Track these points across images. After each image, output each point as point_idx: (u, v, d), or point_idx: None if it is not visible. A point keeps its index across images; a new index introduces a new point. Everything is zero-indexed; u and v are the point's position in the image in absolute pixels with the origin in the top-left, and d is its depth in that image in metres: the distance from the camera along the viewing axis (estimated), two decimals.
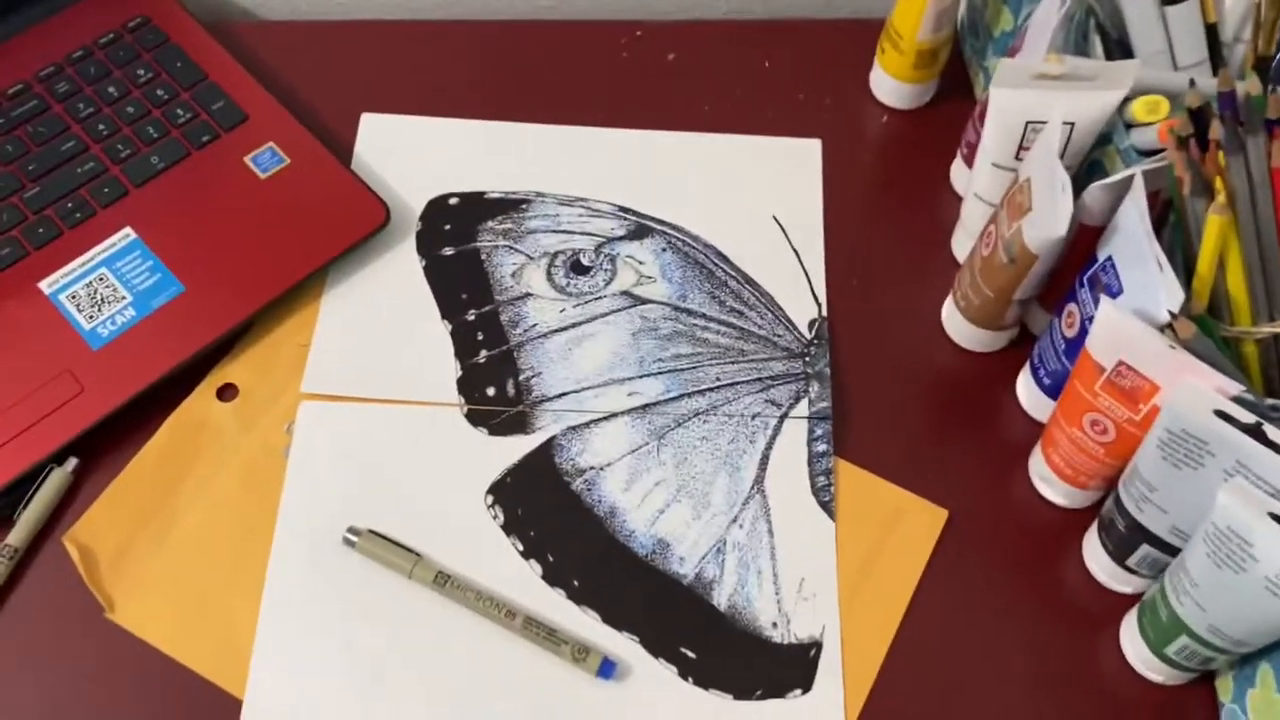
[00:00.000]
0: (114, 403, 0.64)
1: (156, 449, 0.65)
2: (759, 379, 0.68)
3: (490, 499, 0.64)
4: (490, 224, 0.73)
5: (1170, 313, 0.52)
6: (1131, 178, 0.56)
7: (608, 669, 0.58)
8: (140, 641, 0.60)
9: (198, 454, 0.65)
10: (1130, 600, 0.61)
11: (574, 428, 0.66)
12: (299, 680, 0.59)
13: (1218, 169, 0.53)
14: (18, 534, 0.61)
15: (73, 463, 0.63)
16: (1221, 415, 0.51)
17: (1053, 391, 0.64)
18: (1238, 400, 0.51)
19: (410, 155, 0.75)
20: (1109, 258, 0.57)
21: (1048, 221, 0.57)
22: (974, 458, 0.66)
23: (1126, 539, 0.58)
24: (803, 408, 0.67)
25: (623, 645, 0.60)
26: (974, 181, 0.67)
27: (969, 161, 0.71)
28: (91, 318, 0.66)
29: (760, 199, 0.74)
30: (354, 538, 0.62)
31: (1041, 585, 0.62)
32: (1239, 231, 0.53)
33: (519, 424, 0.66)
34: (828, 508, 0.64)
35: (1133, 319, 0.53)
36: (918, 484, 0.65)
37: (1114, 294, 0.56)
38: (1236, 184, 0.53)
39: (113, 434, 0.65)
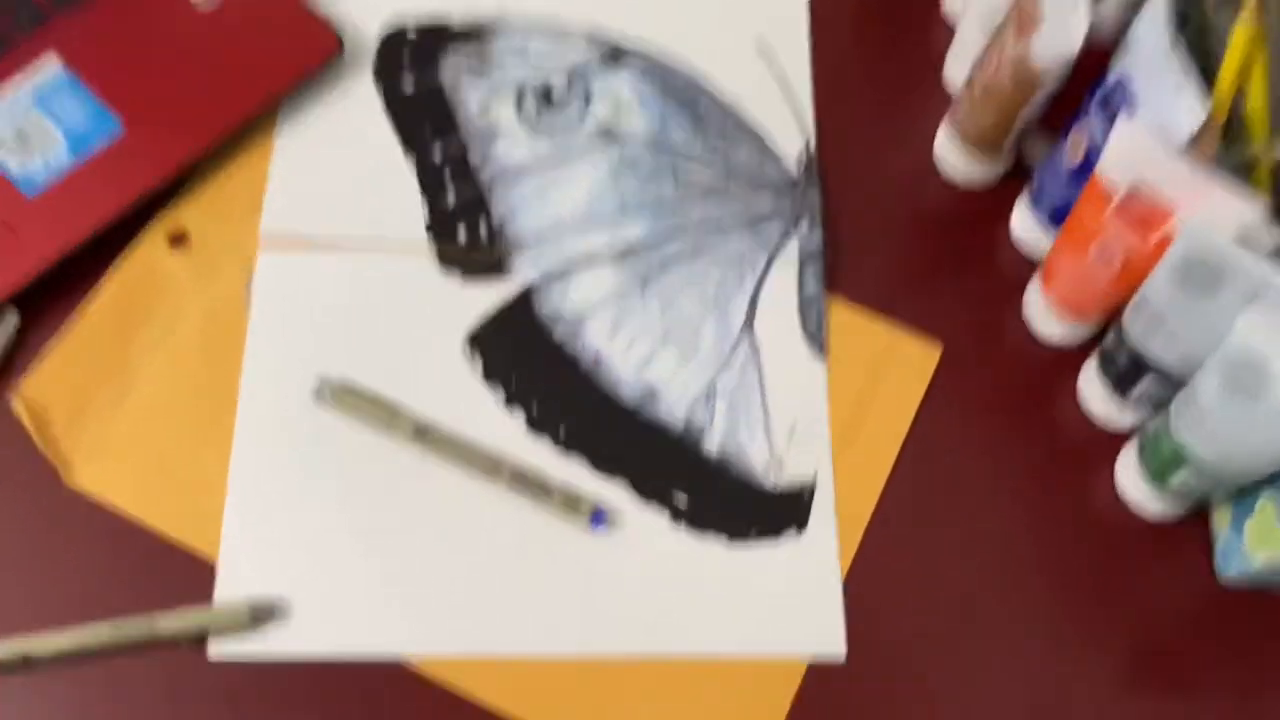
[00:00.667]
0: (55, 251, 0.59)
1: (107, 301, 0.61)
2: (746, 217, 0.64)
3: (469, 348, 0.60)
4: (453, 54, 0.67)
5: (1191, 132, 0.49)
6: None
7: (600, 518, 0.56)
8: (102, 507, 0.57)
9: (151, 306, 0.61)
10: (1124, 440, 0.60)
11: (554, 273, 0.62)
12: (274, 541, 0.56)
13: None
14: None
15: (14, 318, 0.59)
16: (1242, 240, 0.49)
17: (1055, 219, 0.61)
18: (1258, 223, 0.49)
19: None
20: (1122, 76, 0.54)
21: (1060, 35, 0.53)
22: (967, 293, 0.64)
23: (1130, 370, 0.57)
24: (792, 247, 0.63)
25: (612, 493, 0.58)
26: (973, 7, 0.63)
27: None
28: (23, 162, 0.61)
29: (743, 18, 0.70)
30: (326, 390, 0.58)
31: (1036, 423, 0.61)
32: (1265, 48, 0.50)
33: (495, 269, 0.62)
34: (819, 349, 0.61)
35: (1150, 138, 0.50)
36: (910, 321, 0.63)
37: (1129, 113, 0.53)
38: None
39: (56, 288, 0.60)
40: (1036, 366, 0.62)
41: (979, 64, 0.60)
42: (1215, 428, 0.51)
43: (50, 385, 0.59)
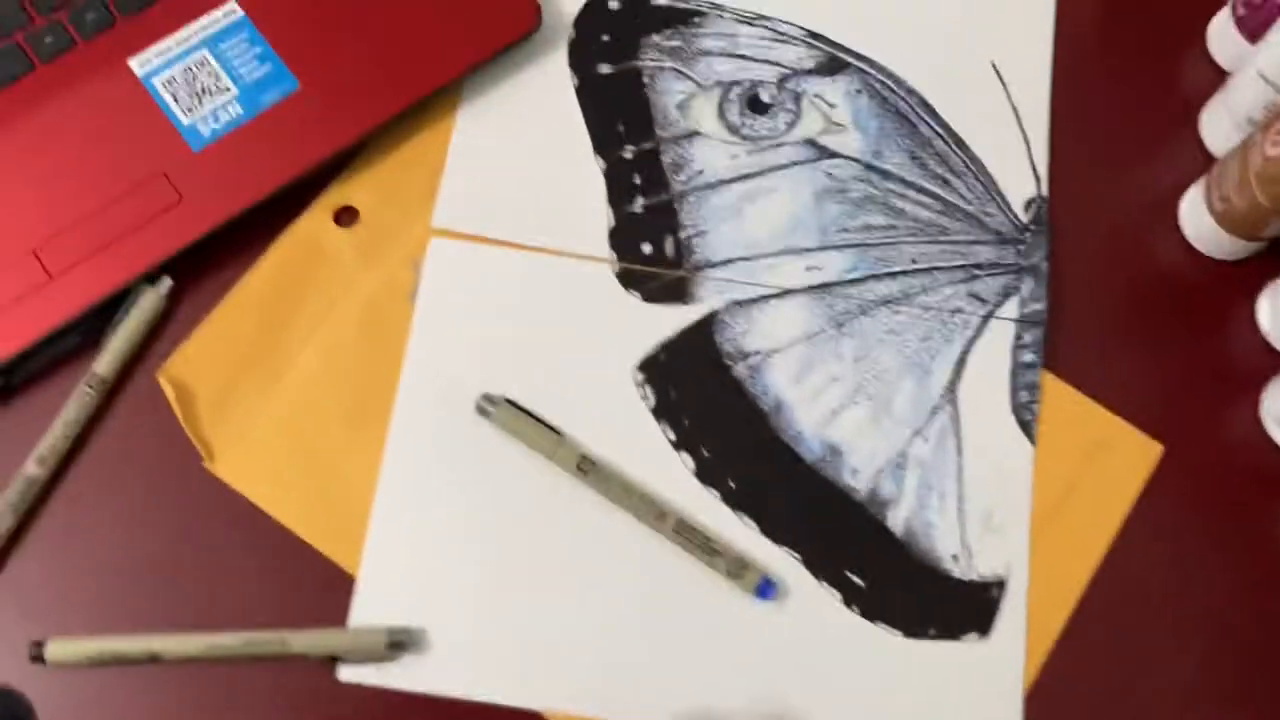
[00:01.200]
0: (218, 216, 0.55)
1: (264, 275, 0.56)
2: (963, 266, 0.58)
3: (641, 376, 0.55)
4: (656, 38, 0.61)
5: None
6: None
7: (767, 590, 0.52)
8: (241, 498, 0.53)
9: (311, 285, 0.56)
10: None
11: (740, 302, 0.57)
12: (418, 563, 0.52)
13: None
14: (105, 362, 0.54)
15: (167, 283, 0.55)
16: None
17: None
18: None
19: None
20: None
21: None
22: (1198, 386, 0.57)
23: None
24: (1011, 307, 0.57)
25: (781, 561, 0.53)
26: (1262, 56, 0.55)
27: (1246, 26, 0.59)
28: (190, 109, 0.56)
29: (978, 40, 0.62)
30: (490, 407, 0.54)
31: (1264, 544, 0.55)
32: None
33: (677, 291, 0.57)
34: (1028, 429, 0.55)
35: None
36: (1128, 408, 0.56)
37: None
38: None
39: (212, 254, 0.56)
40: (1270, 480, 0.55)
41: (1261, 133, 0.53)
42: None
43: (198, 362, 0.55)
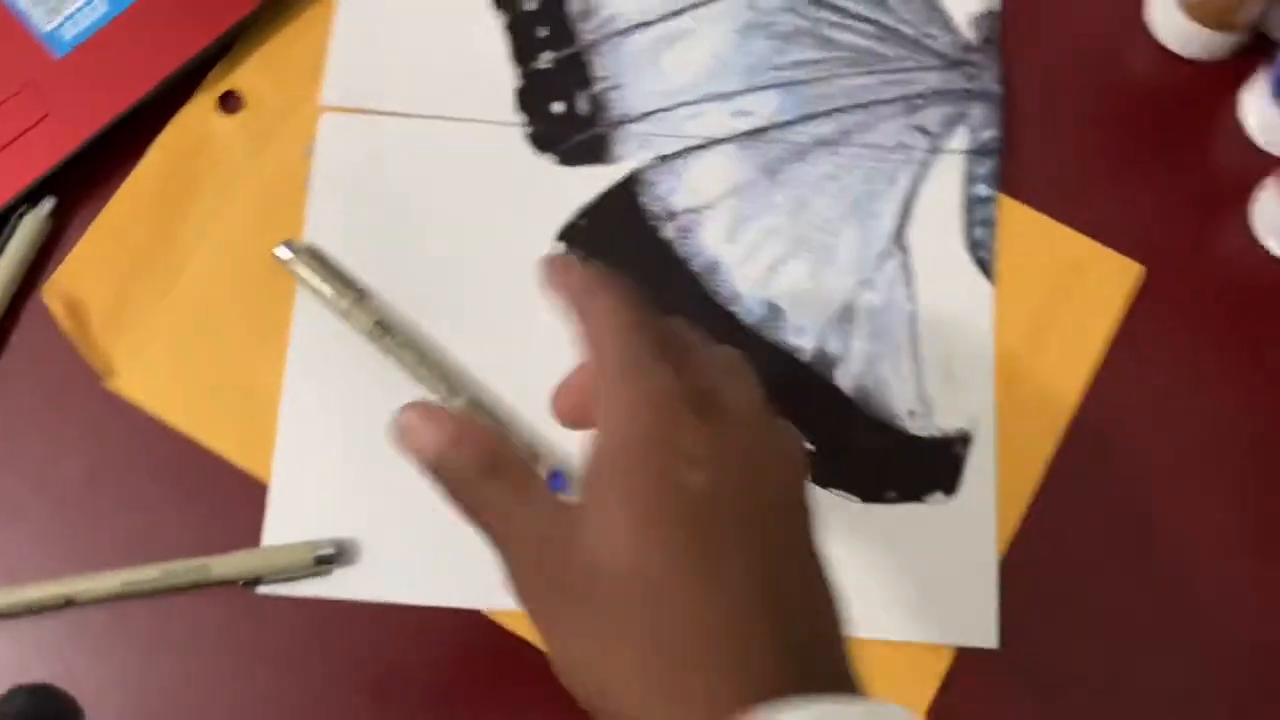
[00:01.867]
0: (92, 125, 0.51)
1: (148, 174, 0.52)
2: (904, 97, 0.52)
3: (563, 246, 0.51)
4: None
5: None
6: None
7: (557, 481, 0.48)
8: (149, 416, 0.50)
9: (200, 179, 0.52)
10: None
11: (664, 157, 0.52)
12: (334, 467, 0.49)
13: None
14: None
15: (49, 203, 0.51)
16: None
17: None
18: None
19: None
20: None
21: None
22: (1181, 199, 0.51)
23: None
24: (960, 137, 0.51)
25: None
26: None
27: None
28: (52, 12, 0.52)
29: None
30: (286, 254, 0.50)
31: (1262, 368, 0.49)
32: None
33: (595, 150, 0.52)
34: (985, 267, 0.50)
35: None
36: (1104, 230, 0.51)
37: None
38: None
39: (98, 165, 0.52)
40: (1265, 297, 0.50)
41: None
42: None
43: (86, 275, 0.51)
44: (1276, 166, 0.50)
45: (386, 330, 0.49)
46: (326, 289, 0.49)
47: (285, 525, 0.48)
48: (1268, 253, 0.50)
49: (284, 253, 0.50)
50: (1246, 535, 0.48)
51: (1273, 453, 0.49)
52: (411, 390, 0.49)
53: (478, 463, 0.33)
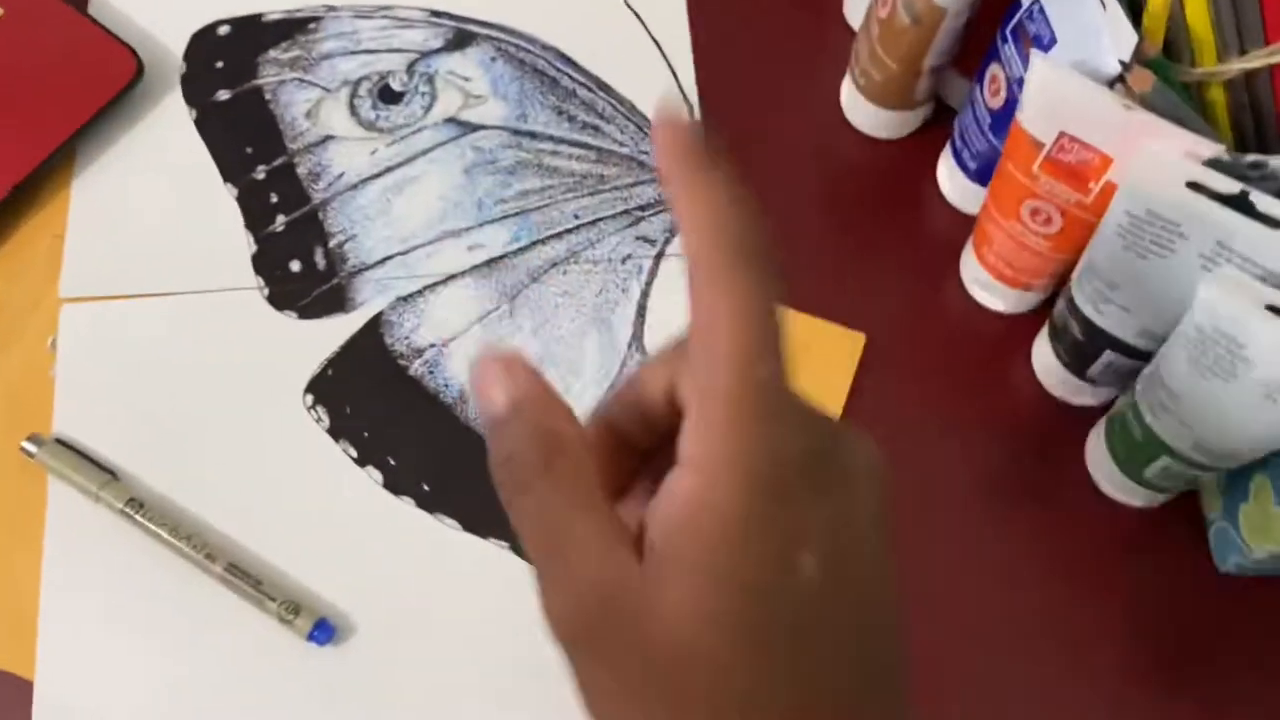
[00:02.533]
0: None
1: None
2: (626, 211, 0.55)
3: (310, 398, 0.52)
4: (273, 53, 0.58)
5: (1121, 62, 0.40)
6: None
7: (322, 633, 0.47)
8: None
9: None
10: (1092, 413, 0.51)
11: (405, 298, 0.53)
12: (93, 654, 0.48)
13: None
14: None
15: None
16: (1195, 187, 0.40)
17: (981, 176, 0.52)
18: (1213, 164, 0.40)
19: None
20: (1036, 1, 0.44)
21: None
22: (895, 266, 0.54)
23: (1085, 346, 0.48)
24: (679, 242, 0.54)
25: (492, 553, 0.49)
26: None
27: None
28: None
29: None
30: (33, 449, 0.50)
31: (987, 406, 0.52)
32: None
33: (335, 301, 0.53)
34: None
35: (1073, 76, 0.41)
36: (830, 307, 0.53)
37: (1045, 46, 0.44)
38: None
39: None
40: (983, 339, 0.53)
41: (872, 2, 0.51)
42: (1188, 413, 0.42)
43: None
44: (972, 226, 0.54)
45: (139, 508, 0.49)
46: (75, 476, 0.49)
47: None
48: (978, 303, 0.53)
49: (30, 447, 0.50)
50: (985, 571, 0.50)
51: (994, 484, 0.51)
52: (170, 563, 0.48)
53: (536, 446, 0.26)
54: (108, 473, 0.50)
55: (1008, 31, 0.46)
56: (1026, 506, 0.51)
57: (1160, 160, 0.40)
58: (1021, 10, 0.45)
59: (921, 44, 0.48)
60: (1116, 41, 0.40)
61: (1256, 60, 0.42)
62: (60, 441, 0.50)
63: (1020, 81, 0.46)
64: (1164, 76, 0.41)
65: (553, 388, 0.27)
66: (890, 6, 0.48)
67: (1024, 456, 0.52)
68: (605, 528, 0.26)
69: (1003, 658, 0.48)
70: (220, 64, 0.57)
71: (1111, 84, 0.41)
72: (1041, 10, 0.44)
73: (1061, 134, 0.42)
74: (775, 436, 0.25)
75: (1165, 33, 0.42)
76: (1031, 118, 0.43)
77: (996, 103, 0.48)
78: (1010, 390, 0.53)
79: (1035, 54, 0.42)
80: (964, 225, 0.55)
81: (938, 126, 0.56)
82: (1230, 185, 0.39)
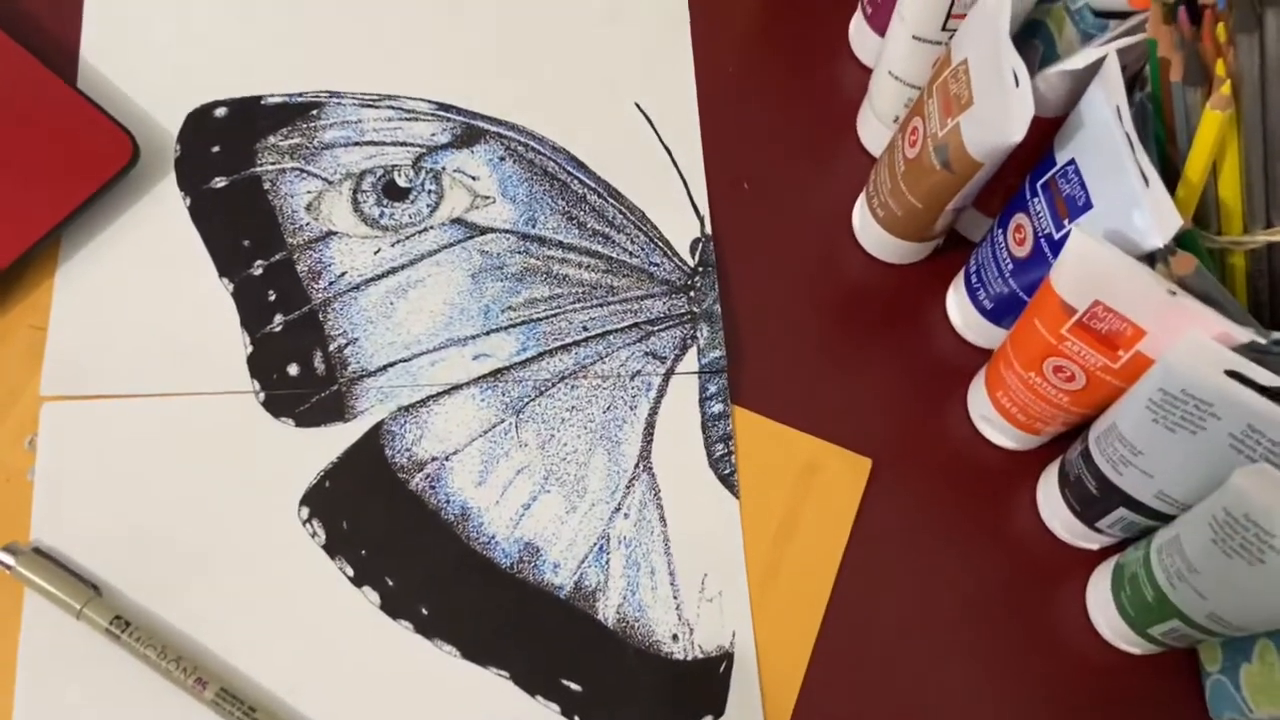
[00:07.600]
0: None
1: None
2: (636, 325, 0.54)
3: (305, 511, 0.50)
4: (273, 139, 0.56)
5: (1166, 245, 0.40)
6: (1099, 61, 0.43)
7: None
8: None
9: None
10: (1094, 556, 0.52)
11: (407, 408, 0.52)
12: None
13: (1217, 48, 0.40)
14: None
15: None
16: (1233, 374, 0.40)
17: (996, 316, 0.52)
18: (1247, 350, 0.40)
19: (160, 54, 0.57)
20: (1071, 161, 0.44)
21: (997, 122, 0.44)
22: (901, 391, 0.54)
23: (1098, 500, 0.48)
24: (691, 359, 0.53)
25: (491, 683, 0.48)
26: (887, 56, 0.53)
27: (875, 23, 0.57)
28: None
29: (618, 84, 0.59)
30: (10, 560, 0.47)
31: (988, 543, 0.52)
32: (1241, 128, 0.41)
33: (334, 409, 0.52)
34: (729, 483, 0.52)
35: (1113, 253, 0.41)
36: (835, 430, 0.53)
37: (1079, 208, 0.44)
38: (1245, 69, 0.40)
39: None
40: (987, 472, 0.53)
41: (898, 135, 0.51)
42: (1208, 586, 0.43)
43: None
44: (984, 357, 0.54)
45: (124, 627, 0.46)
46: (55, 590, 0.47)
47: None
48: (981, 434, 0.53)
49: (6, 557, 0.47)
50: (983, 690, 0.50)
51: (991, 616, 0.51)
52: (158, 686, 0.46)
53: None
54: (91, 587, 0.47)
55: (1038, 185, 0.46)
56: (1018, 636, 0.51)
57: (1200, 347, 0.40)
58: (1055, 169, 0.45)
59: (950, 190, 0.48)
60: (1159, 222, 0.40)
61: None
62: (39, 551, 0.48)
63: (1049, 238, 0.46)
64: (1191, 244, 0.42)
65: None
66: (920, 148, 0.48)
67: (1023, 589, 0.52)
68: None
69: None
70: (216, 148, 0.55)
71: (1150, 259, 0.41)
72: (1077, 172, 0.44)
73: (1096, 302, 0.42)
74: None
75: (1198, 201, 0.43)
76: (1065, 283, 0.43)
77: (1021, 252, 0.48)
78: (1013, 529, 0.52)
79: (1077, 230, 0.42)
80: (970, 355, 0.55)
81: (949, 252, 0.57)
82: (1270, 379, 0.39)
